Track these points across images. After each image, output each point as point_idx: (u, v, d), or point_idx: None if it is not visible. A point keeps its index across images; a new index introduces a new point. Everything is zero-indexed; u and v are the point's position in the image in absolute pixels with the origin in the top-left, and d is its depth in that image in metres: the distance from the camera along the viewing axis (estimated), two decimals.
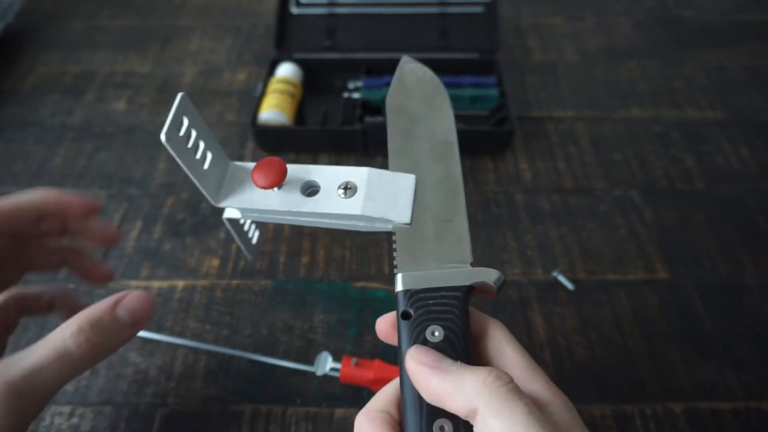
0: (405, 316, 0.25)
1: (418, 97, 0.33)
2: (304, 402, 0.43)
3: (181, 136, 0.26)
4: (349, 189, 0.28)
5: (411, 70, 0.34)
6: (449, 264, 0.27)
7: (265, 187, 0.28)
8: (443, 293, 0.26)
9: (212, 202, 0.28)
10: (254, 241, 0.33)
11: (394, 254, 0.27)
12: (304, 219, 0.29)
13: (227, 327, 0.47)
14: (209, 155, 0.28)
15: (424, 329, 0.25)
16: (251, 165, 0.29)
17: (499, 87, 0.65)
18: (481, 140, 0.61)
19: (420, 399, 0.24)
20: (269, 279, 0.51)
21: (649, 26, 0.79)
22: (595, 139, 0.63)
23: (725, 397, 0.43)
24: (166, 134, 0.24)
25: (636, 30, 0.78)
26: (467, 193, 0.59)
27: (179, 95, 0.26)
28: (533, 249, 0.53)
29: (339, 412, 0.42)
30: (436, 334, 0.25)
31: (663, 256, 0.52)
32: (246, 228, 0.32)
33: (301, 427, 0.42)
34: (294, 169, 0.29)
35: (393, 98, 0.33)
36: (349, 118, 0.63)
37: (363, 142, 0.60)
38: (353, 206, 0.28)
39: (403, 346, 0.25)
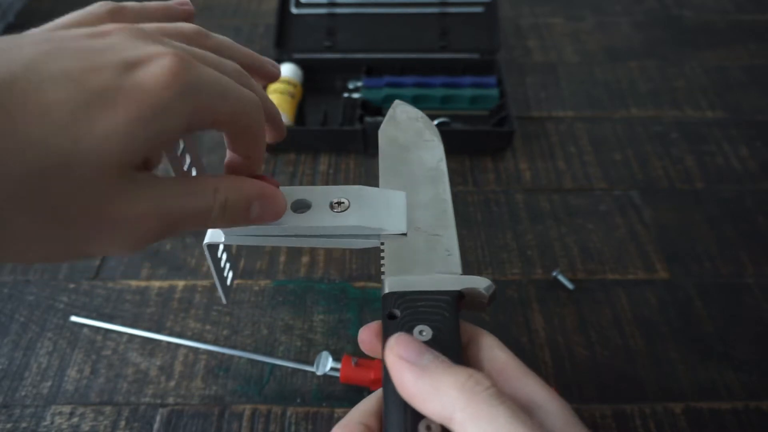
0: (391, 316, 0.24)
1: (409, 131, 0.34)
2: (304, 402, 0.43)
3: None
4: (341, 203, 0.28)
5: (403, 110, 0.35)
6: (438, 273, 0.27)
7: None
8: (433, 296, 0.25)
9: None
10: (229, 281, 0.32)
11: (382, 262, 0.27)
12: (294, 238, 0.28)
13: (227, 327, 0.47)
14: (194, 171, 0.27)
15: (412, 328, 0.24)
16: None
17: (499, 87, 0.65)
18: (481, 140, 0.61)
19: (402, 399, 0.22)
20: (269, 279, 0.51)
21: (649, 26, 0.79)
22: (595, 139, 0.63)
23: (725, 397, 0.43)
24: None
25: (636, 30, 0.79)
26: (467, 193, 0.59)
27: None
28: (533, 249, 0.53)
29: (339, 412, 0.42)
30: (424, 333, 0.23)
31: (663, 256, 0.52)
32: (222, 264, 0.31)
33: (301, 427, 0.42)
34: (283, 190, 0.28)
35: (385, 131, 0.34)
36: (349, 118, 0.63)
37: (363, 142, 0.60)
38: (347, 219, 0.27)
39: None
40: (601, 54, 0.75)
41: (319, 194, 0.28)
